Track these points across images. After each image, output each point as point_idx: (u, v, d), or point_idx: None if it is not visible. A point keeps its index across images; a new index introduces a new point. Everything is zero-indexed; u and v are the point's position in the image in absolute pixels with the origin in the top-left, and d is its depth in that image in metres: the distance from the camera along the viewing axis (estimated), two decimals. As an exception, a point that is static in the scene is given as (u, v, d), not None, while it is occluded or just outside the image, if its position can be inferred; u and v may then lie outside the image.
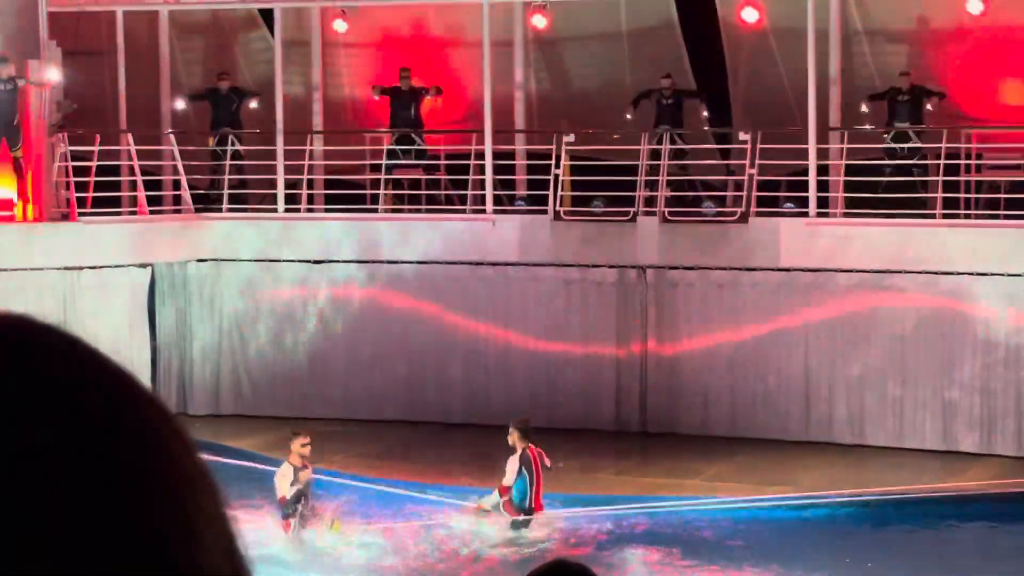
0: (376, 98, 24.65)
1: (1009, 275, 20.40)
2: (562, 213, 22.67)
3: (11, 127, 22.65)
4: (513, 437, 17.72)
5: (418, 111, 24.42)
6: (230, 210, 24.27)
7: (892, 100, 22.70)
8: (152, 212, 23.93)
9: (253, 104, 25.30)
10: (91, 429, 0.99)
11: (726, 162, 24.09)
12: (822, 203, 22.12)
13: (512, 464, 17.59)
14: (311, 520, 17.16)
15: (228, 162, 24.64)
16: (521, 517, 17.60)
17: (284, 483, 17.02)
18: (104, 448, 0.99)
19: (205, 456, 1.05)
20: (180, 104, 25.97)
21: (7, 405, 0.98)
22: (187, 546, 1.00)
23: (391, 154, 24.32)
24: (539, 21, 23.96)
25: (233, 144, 24.74)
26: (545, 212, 22.74)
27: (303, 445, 17.11)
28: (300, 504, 16.99)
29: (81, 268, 22.66)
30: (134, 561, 0.97)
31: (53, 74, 22.98)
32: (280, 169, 24.44)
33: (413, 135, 24.48)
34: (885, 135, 22.63)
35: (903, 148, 22.38)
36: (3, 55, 22.60)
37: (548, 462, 17.71)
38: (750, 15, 23.09)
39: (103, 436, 1.00)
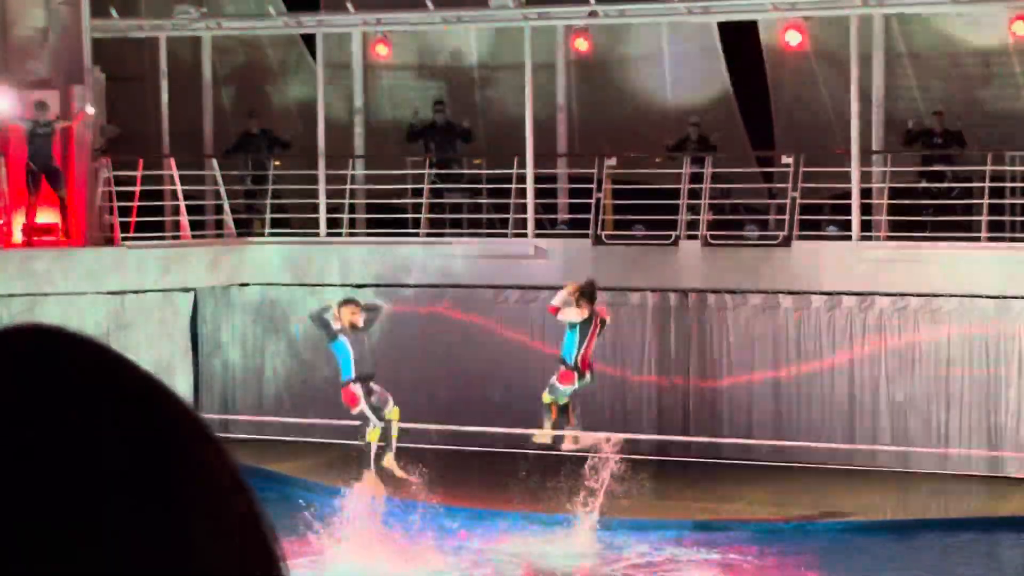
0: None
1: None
2: (604, 237, 22.62)
3: (53, 168, 22.68)
4: (579, 304, 18.23)
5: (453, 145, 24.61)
6: (272, 234, 24.32)
7: (926, 144, 22.59)
8: (194, 236, 24.00)
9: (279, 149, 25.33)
10: (128, 451, 0.92)
11: (768, 185, 24.00)
12: (865, 226, 22.01)
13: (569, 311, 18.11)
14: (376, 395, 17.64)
15: (270, 187, 24.73)
16: (574, 379, 18.29)
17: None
18: (140, 471, 0.92)
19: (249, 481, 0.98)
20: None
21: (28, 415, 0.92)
22: None
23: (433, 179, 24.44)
24: (581, 44, 23.94)
25: (267, 170, 24.86)
26: (587, 236, 22.69)
27: (352, 313, 17.69)
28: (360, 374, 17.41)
29: (124, 293, 22.72)
30: None
31: (88, 108, 23.00)
32: (322, 193, 24.48)
33: (453, 160, 24.57)
34: (920, 176, 22.60)
35: (940, 187, 22.28)
36: (42, 101, 22.65)
37: (607, 319, 18.44)
38: (793, 38, 23.01)
39: (140, 459, 0.92)
